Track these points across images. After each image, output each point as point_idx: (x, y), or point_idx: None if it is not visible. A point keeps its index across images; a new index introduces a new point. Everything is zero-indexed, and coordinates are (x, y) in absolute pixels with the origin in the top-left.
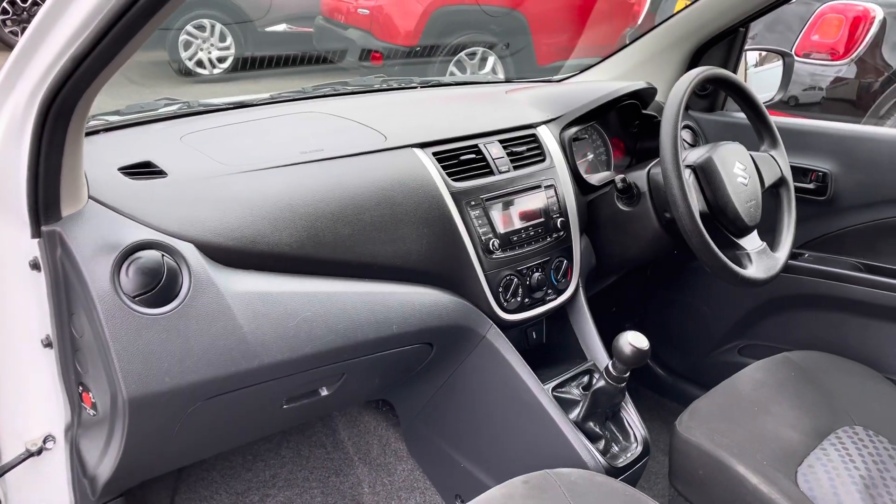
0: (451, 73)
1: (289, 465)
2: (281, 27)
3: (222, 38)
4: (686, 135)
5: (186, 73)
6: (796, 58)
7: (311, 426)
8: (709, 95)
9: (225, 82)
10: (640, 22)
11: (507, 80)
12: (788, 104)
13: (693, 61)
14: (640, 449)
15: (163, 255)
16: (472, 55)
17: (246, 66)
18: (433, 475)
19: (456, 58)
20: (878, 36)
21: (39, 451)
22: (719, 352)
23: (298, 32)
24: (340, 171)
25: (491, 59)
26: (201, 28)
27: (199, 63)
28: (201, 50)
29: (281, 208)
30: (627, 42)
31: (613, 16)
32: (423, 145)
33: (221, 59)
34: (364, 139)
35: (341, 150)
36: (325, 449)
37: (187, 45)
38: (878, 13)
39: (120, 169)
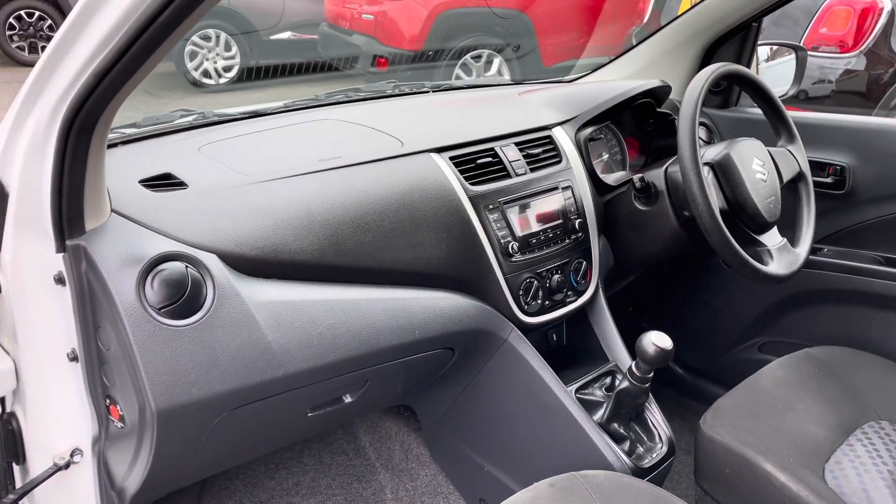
0: (457, 76)
1: (311, 473)
2: (285, 35)
3: (227, 48)
4: (701, 132)
5: (193, 84)
6: None
7: (333, 433)
8: (723, 92)
9: (232, 92)
10: (645, 20)
11: (518, 82)
12: (798, 98)
13: (706, 58)
14: (665, 449)
15: (187, 267)
16: (477, 58)
17: (251, 75)
18: (456, 480)
19: (461, 61)
20: (887, 27)
21: (67, 465)
22: (739, 349)
23: (303, 40)
24: (359, 177)
25: (496, 61)
26: (206, 38)
27: (206, 73)
28: (207, 60)
29: (302, 217)
30: (634, 41)
31: (619, 15)
32: (439, 150)
33: (227, 69)
34: (381, 145)
35: (359, 157)
36: (346, 456)
37: (193, 55)
38: (887, 4)
39: (141, 181)
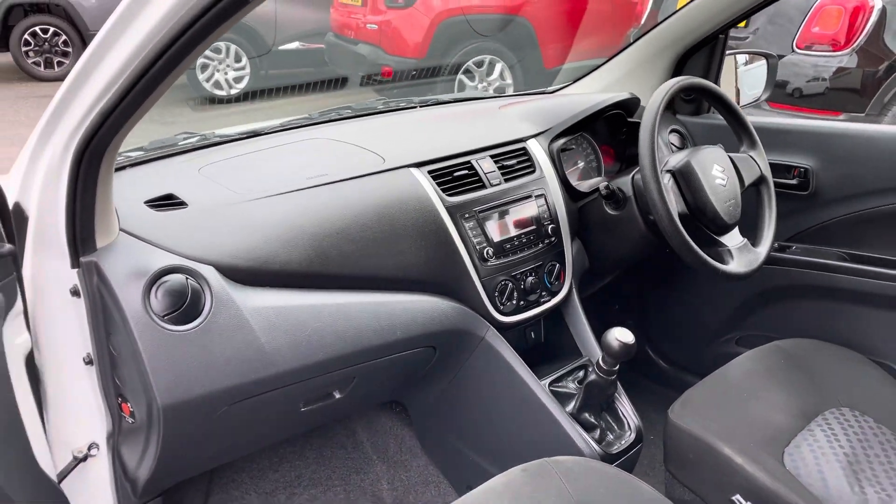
0: (461, 82)
1: (312, 466)
2: (293, 45)
3: (237, 59)
4: (674, 138)
5: (211, 102)
6: (798, 50)
7: (332, 429)
8: (695, 100)
9: (242, 103)
10: (643, 22)
11: (500, 95)
12: (793, 96)
13: (678, 68)
14: (633, 436)
15: (187, 278)
16: (480, 64)
17: (262, 88)
18: (445, 469)
19: (464, 67)
20: (878, 25)
21: (85, 458)
22: (718, 343)
23: (310, 49)
24: (343, 193)
25: (499, 66)
26: (216, 50)
27: (217, 84)
28: (217, 71)
29: (290, 230)
30: (632, 42)
31: (617, 17)
32: (418, 165)
33: (238, 80)
34: (364, 162)
35: (343, 174)
36: (345, 449)
37: (204, 67)
38: (878, 2)
39: (146, 202)
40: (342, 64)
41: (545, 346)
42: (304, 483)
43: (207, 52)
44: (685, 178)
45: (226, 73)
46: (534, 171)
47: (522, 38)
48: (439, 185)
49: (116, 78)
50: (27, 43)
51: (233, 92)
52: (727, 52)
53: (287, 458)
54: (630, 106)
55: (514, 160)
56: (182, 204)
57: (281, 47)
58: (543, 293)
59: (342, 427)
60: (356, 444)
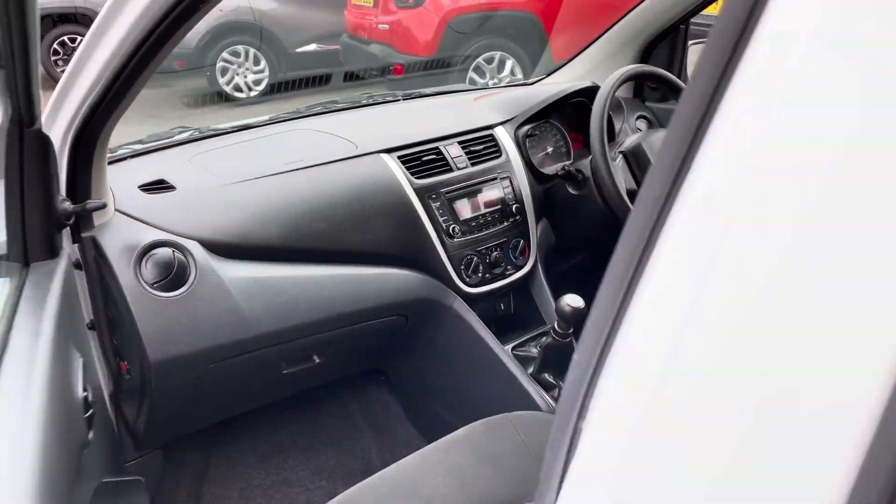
0: (471, 79)
1: (307, 433)
2: (311, 47)
3: (256, 62)
4: (641, 124)
5: (226, 99)
6: None
7: (325, 399)
8: (660, 88)
9: (261, 104)
10: None
11: (477, 88)
12: None
13: (643, 58)
14: None
15: (174, 251)
16: (489, 60)
17: (280, 88)
18: (425, 432)
19: (474, 63)
20: None
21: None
22: None
23: (327, 51)
24: (317, 176)
25: (509, 63)
26: (236, 54)
27: (237, 87)
28: (237, 75)
29: (267, 210)
30: (600, 35)
31: (624, 10)
32: (388, 150)
33: (257, 82)
34: (338, 148)
35: (318, 160)
36: (336, 418)
37: (224, 70)
38: None
39: (139, 186)
40: (356, 64)
41: (514, 317)
42: (299, 447)
43: (227, 56)
44: (636, 158)
45: (245, 77)
46: (500, 156)
47: (531, 32)
48: (408, 168)
49: (98, 79)
50: (56, 52)
51: (252, 94)
52: (691, 41)
53: (283, 425)
54: (592, 94)
55: (480, 146)
56: (171, 187)
57: (298, 49)
58: (508, 267)
59: (334, 397)
60: (347, 413)
